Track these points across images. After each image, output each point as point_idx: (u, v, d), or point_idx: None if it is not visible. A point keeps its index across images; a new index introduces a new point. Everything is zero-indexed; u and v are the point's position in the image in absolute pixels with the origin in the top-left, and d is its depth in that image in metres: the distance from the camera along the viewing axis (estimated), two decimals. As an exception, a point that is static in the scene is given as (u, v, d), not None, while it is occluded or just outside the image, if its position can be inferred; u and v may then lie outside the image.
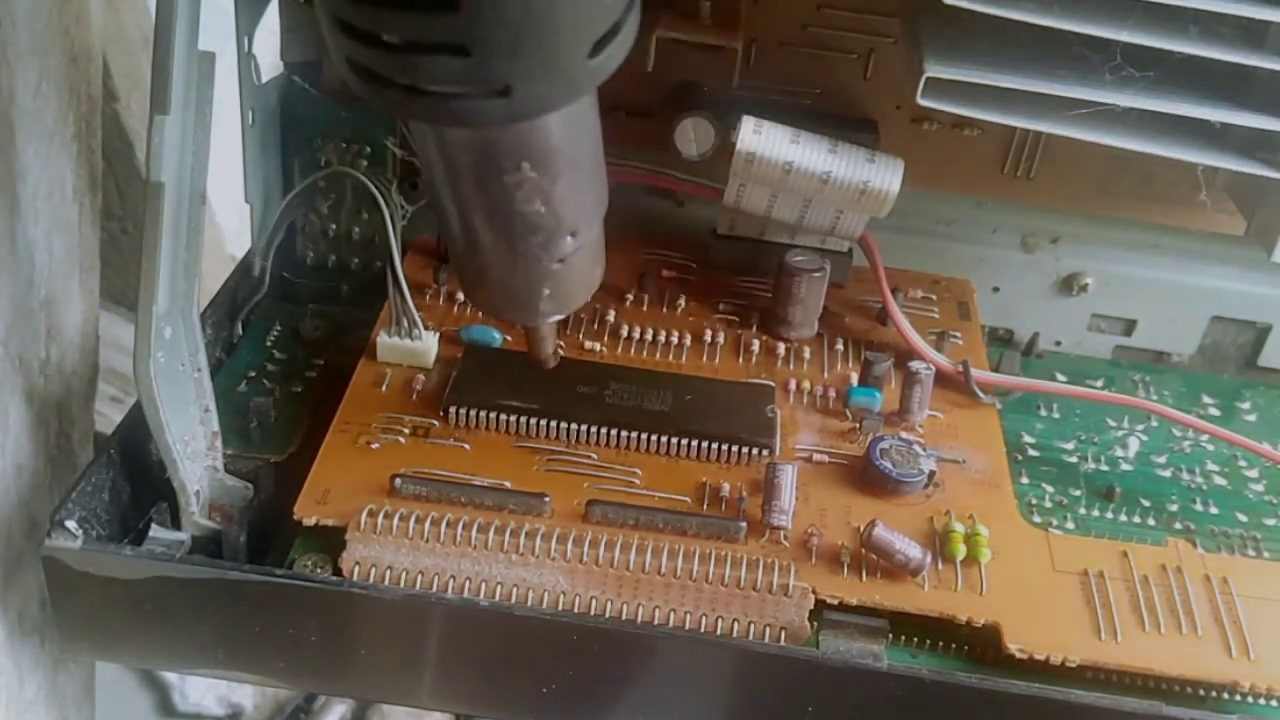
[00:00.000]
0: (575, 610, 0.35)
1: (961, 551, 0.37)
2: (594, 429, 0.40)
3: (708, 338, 0.46)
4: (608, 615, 0.35)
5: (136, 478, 0.38)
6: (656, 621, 0.35)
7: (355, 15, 0.24)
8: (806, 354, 0.46)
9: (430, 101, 0.25)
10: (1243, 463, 0.45)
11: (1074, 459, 0.45)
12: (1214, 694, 0.35)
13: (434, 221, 0.48)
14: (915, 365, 0.42)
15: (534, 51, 0.24)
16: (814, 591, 0.35)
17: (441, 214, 0.31)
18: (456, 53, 0.24)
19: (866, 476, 0.40)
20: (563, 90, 0.25)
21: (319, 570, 0.36)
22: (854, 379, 0.44)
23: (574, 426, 0.40)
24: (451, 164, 0.28)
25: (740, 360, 0.45)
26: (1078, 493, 0.43)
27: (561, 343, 0.44)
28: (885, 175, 0.43)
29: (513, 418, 0.40)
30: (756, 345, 0.46)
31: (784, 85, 0.48)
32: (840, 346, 0.46)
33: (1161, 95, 0.38)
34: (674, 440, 0.40)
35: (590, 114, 0.29)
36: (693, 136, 0.46)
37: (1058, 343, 0.53)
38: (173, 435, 0.36)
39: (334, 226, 0.49)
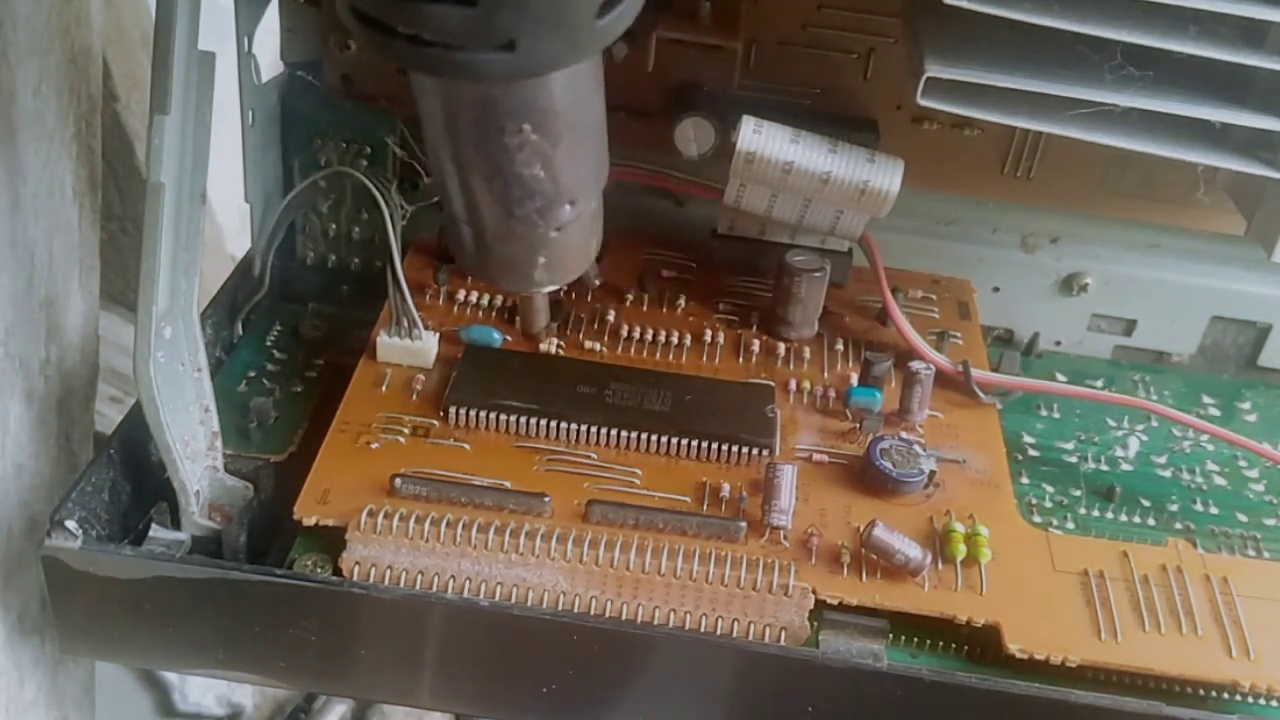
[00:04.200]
0: (575, 610, 0.35)
1: (961, 551, 0.37)
2: (594, 429, 0.40)
3: (708, 338, 0.46)
4: (608, 615, 0.35)
5: (136, 478, 0.38)
6: (656, 621, 0.35)
7: None
8: (806, 354, 0.46)
9: (434, 53, 0.24)
10: (1243, 463, 0.45)
11: (1074, 459, 0.45)
12: (1214, 694, 0.35)
13: (434, 221, 0.48)
14: (915, 365, 0.42)
15: (540, 6, 0.24)
16: (814, 591, 0.35)
17: (439, 176, 0.30)
18: (462, 2, 0.23)
19: (866, 476, 0.40)
20: (568, 49, 0.25)
21: (319, 570, 0.36)
22: (854, 379, 0.44)
23: (574, 426, 0.40)
24: (453, 122, 0.28)
25: (740, 360, 0.45)
26: (1078, 493, 0.43)
27: (561, 343, 0.44)
28: (885, 175, 0.43)
29: (513, 418, 0.40)
30: (756, 345, 0.46)
31: (784, 85, 0.48)
32: (840, 346, 0.46)
33: (1161, 95, 0.38)
34: (674, 440, 0.40)
35: (595, 82, 0.29)
36: (693, 136, 0.46)
37: (1058, 343, 0.53)
38: (173, 435, 0.36)
39: (334, 226, 0.49)
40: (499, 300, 0.46)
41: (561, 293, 0.47)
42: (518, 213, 0.30)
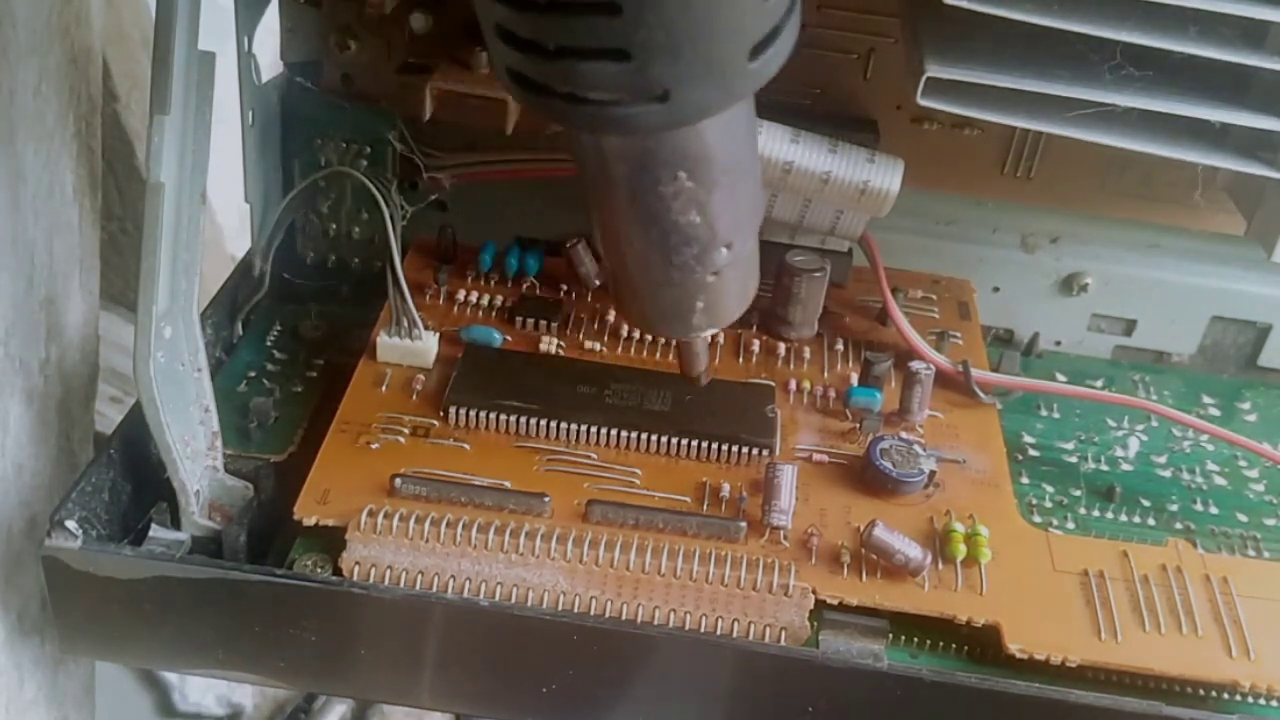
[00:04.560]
0: (575, 610, 0.35)
1: (961, 551, 0.37)
2: (594, 429, 0.40)
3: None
4: (608, 615, 0.35)
5: (136, 478, 0.38)
6: (656, 621, 0.35)
7: (518, 23, 0.24)
8: (806, 354, 0.46)
9: (590, 109, 0.25)
10: (1243, 463, 0.45)
11: (1074, 459, 0.45)
12: (1214, 694, 0.35)
13: (434, 221, 0.48)
14: (915, 365, 0.42)
15: (693, 55, 0.24)
16: (814, 591, 0.35)
17: (597, 227, 0.31)
18: (617, 57, 0.24)
19: (866, 476, 0.40)
20: (721, 94, 0.25)
21: (319, 570, 0.36)
22: (854, 379, 0.44)
23: (574, 426, 0.40)
24: (609, 175, 0.28)
25: (740, 360, 0.45)
26: (1078, 493, 0.43)
27: (561, 343, 0.45)
28: (885, 175, 0.43)
29: (513, 418, 0.40)
30: (756, 345, 0.46)
31: (784, 85, 0.48)
32: (840, 346, 0.46)
33: (1161, 95, 0.38)
34: (674, 440, 0.40)
35: (747, 122, 0.29)
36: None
37: (1058, 343, 0.53)
38: (173, 435, 0.36)
39: (334, 226, 0.49)
40: (499, 300, 0.46)
41: (561, 293, 0.47)
42: (675, 260, 0.30)
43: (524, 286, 0.47)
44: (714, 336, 0.45)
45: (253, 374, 0.44)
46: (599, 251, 0.31)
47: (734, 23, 0.24)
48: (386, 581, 0.35)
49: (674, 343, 0.45)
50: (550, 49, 0.24)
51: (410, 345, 0.43)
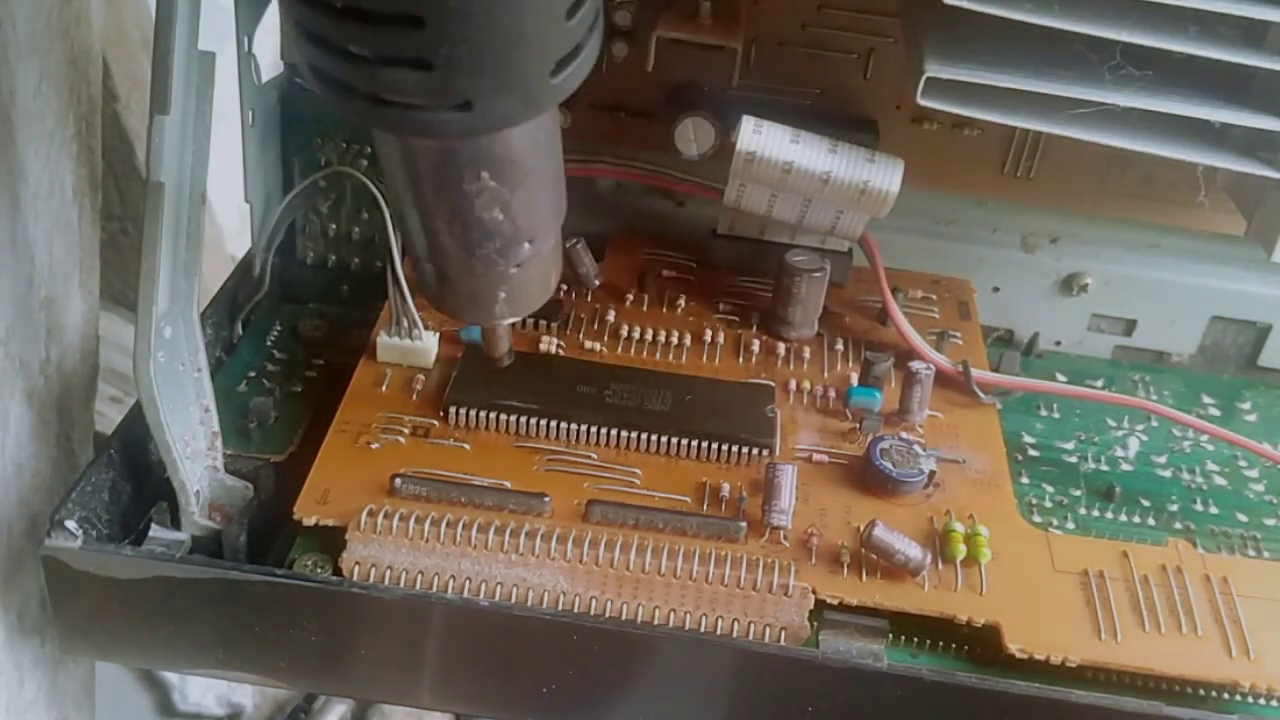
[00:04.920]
0: (575, 610, 0.35)
1: (961, 551, 0.37)
2: (594, 429, 0.40)
3: (708, 338, 0.46)
4: (608, 615, 0.35)
5: (136, 478, 0.38)
6: (656, 621, 0.35)
7: (322, 27, 0.24)
8: (806, 354, 0.46)
9: (392, 111, 0.25)
10: (1243, 463, 0.45)
11: (1074, 459, 0.45)
12: (1214, 694, 0.35)
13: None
14: (915, 365, 0.42)
15: (496, 69, 0.24)
16: (814, 591, 0.35)
17: (402, 219, 0.31)
18: (420, 67, 0.24)
19: (866, 476, 0.40)
20: (523, 107, 0.26)
21: (319, 570, 0.36)
22: (854, 379, 0.44)
23: (574, 426, 0.40)
24: (413, 171, 0.29)
25: (740, 360, 0.45)
26: (1078, 493, 0.43)
27: (561, 343, 0.45)
28: (885, 175, 0.43)
29: (513, 418, 0.40)
30: (756, 345, 0.46)
31: (784, 85, 0.48)
32: (840, 346, 0.46)
33: (1161, 95, 0.38)
34: (674, 440, 0.40)
35: (551, 127, 0.30)
36: (693, 136, 0.46)
37: (1058, 343, 0.53)
38: (173, 435, 0.36)
39: (334, 226, 0.49)
40: (499, 300, 0.46)
41: (562, 293, 0.47)
42: (478, 253, 0.30)
43: (524, 286, 0.47)
44: (714, 335, 0.45)
45: (253, 374, 0.44)
46: (407, 244, 0.32)
47: (536, 40, 0.25)
48: (386, 581, 0.35)
49: (673, 343, 0.45)
50: (354, 52, 0.24)
51: (410, 345, 0.43)
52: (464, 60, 0.24)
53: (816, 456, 0.41)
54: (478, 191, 0.28)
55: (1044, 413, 0.47)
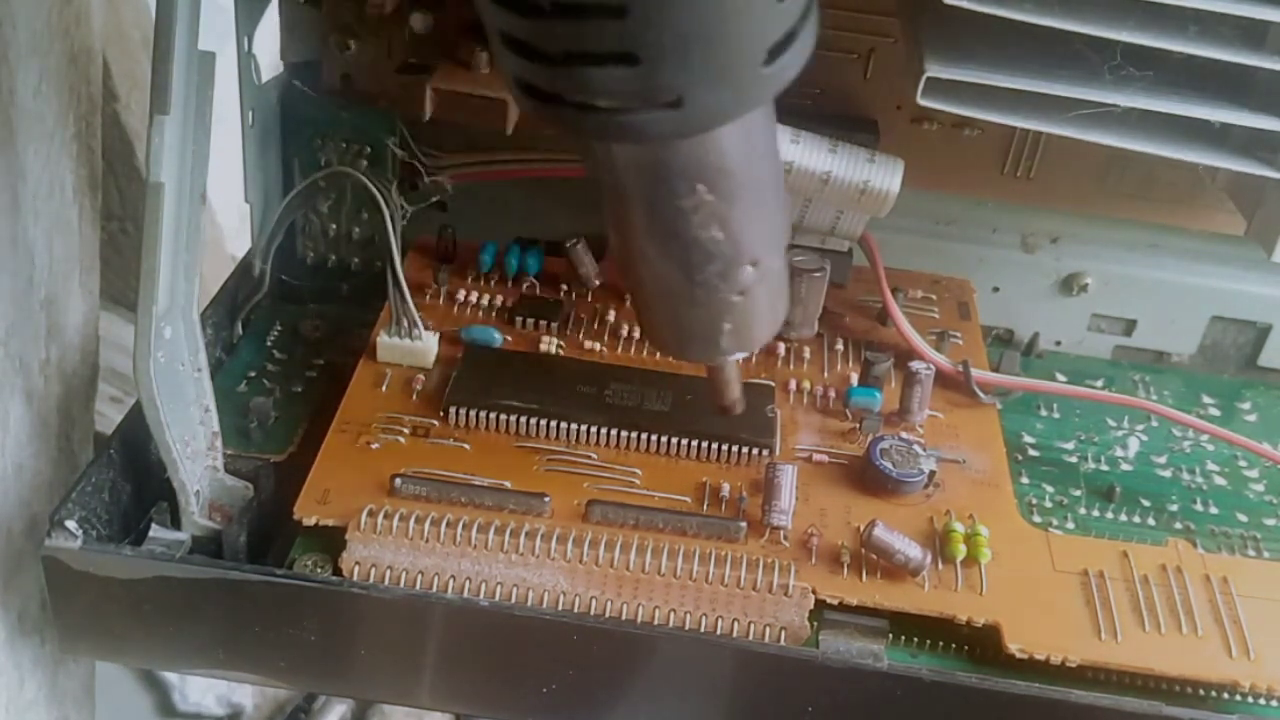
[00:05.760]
0: (575, 610, 0.35)
1: (961, 551, 0.37)
2: (594, 429, 0.40)
3: (708, 338, 0.46)
4: (608, 615, 0.35)
5: (136, 478, 0.38)
6: (656, 621, 0.35)
7: (524, 29, 0.23)
8: (806, 354, 0.46)
9: (601, 116, 0.24)
10: (1243, 463, 0.45)
11: (1074, 459, 0.45)
12: (1214, 694, 0.35)
13: (434, 221, 0.48)
14: (915, 365, 0.42)
15: (705, 58, 0.23)
16: (814, 591, 0.35)
17: (617, 247, 0.30)
18: (625, 61, 0.23)
19: (866, 476, 0.40)
20: (736, 100, 0.24)
21: (319, 570, 0.36)
22: (854, 379, 0.44)
23: (574, 426, 0.40)
24: (625, 189, 0.27)
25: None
26: (1078, 493, 0.43)
27: (561, 343, 0.44)
28: (885, 175, 0.43)
29: (513, 418, 0.40)
30: (756, 345, 0.46)
31: (784, 85, 0.48)
32: (840, 346, 0.46)
33: (1161, 95, 0.38)
34: (674, 440, 0.40)
35: (768, 132, 0.28)
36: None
37: (1058, 343, 0.53)
38: (173, 435, 0.36)
39: (334, 226, 0.49)
40: (499, 300, 0.46)
41: (561, 293, 0.47)
42: (697, 278, 0.29)
43: (524, 286, 0.47)
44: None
45: (253, 374, 0.44)
46: (618, 269, 0.30)
47: (746, 24, 0.23)
48: (386, 581, 0.35)
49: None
50: (557, 55, 0.23)
51: (410, 345, 0.43)
52: (670, 50, 0.23)
53: (816, 456, 0.41)
54: (694, 208, 0.27)
55: (1044, 413, 0.47)
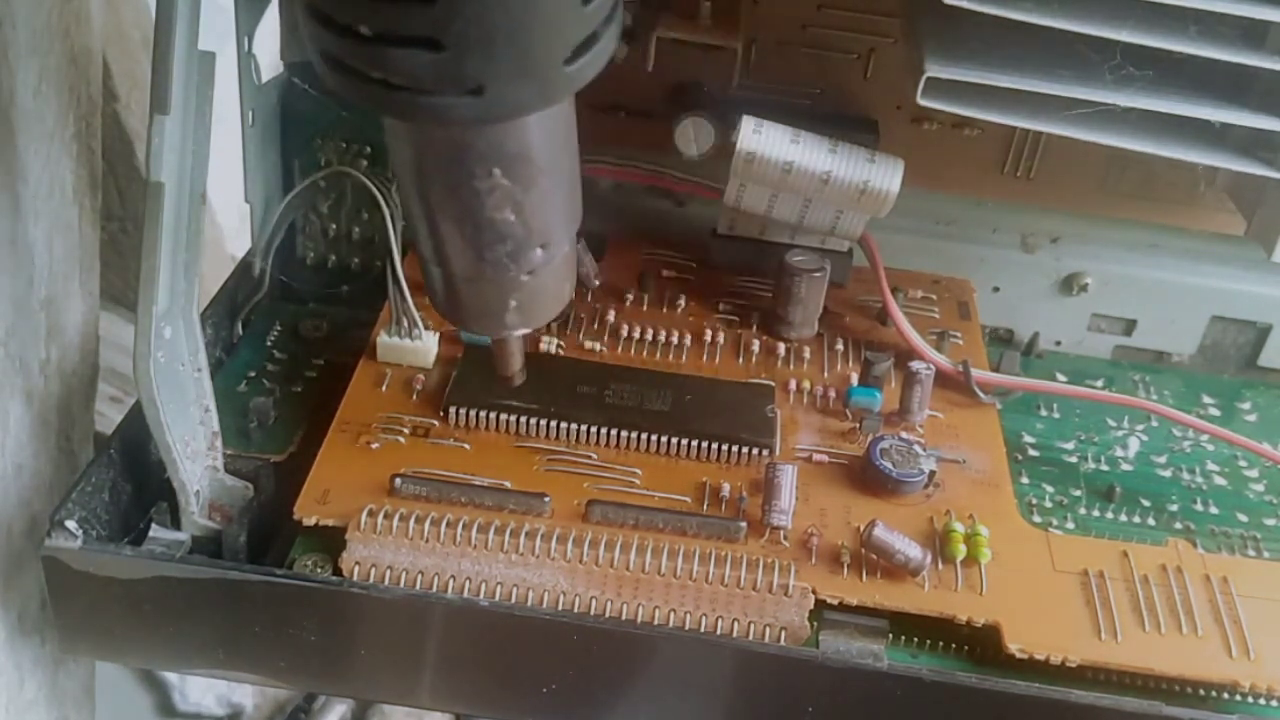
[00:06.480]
0: (575, 610, 0.35)
1: (961, 551, 0.37)
2: (594, 429, 0.40)
3: (708, 338, 0.46)
4: (608, 615, 0.35)
5: (136, 478, 0.38)
6: (656, 621, 0.35)
7: (331, 6, 0.24)
8: (806, 354, 0.46)
9: (403, 97, 0.25)
10: (1243, 463, 0.45)
11: (1074, 459, 0.45)
12: (1214, 694, 0.35)
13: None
14: (915, 365, 0.42)
15: (508, 52, 0.24)
16: (814, 591, 0.35)
17: (410, 219, 0.31)
18: (430, 46, 0.24)
19: (866, 476, 0.40)
20: (536, 94, 0.25)
21: (319, 570, 0.36)
22: (854, 379, 0.44)
23: (574, 426, 0.40)
24: (422, 166, 0.28)
25: (740, 360, 0.45)
26: (1078, 493, 0.43)
27: (561, 343, 0.44)
28: (885, 175, 0.43)
29: (513, 418, 0.40)
30: (756, 345, 0.46)
31: (784, 85, 0.48)
32: (840, 346, 0.46)
33: (1161, 95, 0.38)
34: (674, 440, 0.40)
35: (567, 124, 0.29)
36: (693, 136, 0.46)
37: (1058, 343, 0.53)
38: (173, 435, 0.36)
39: (334, 226, 0.49)
40: (499, 300, 0.46)
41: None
42: (488, 256, 0.30)
43: (524, 286, 0.47)
44: (714, 335, 0.45)
45: (253, 374, 0.44)
46: (416, 247, 0.31)
47: (550, 24, 0.24)
48: (386, 581, 0.35)
49: (673, 343, 0.45)
50: (363, 33, 0.24)
51: (410, 345, 0.43)
52: (475, 40, 0.23)
53: (816, 456, 0.41)
54: (489, 189, 0.28)
55: (1044, 413, 0.47)
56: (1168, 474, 0.45)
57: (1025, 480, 0.43)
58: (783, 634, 0.35)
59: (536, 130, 0.27)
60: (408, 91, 0.25)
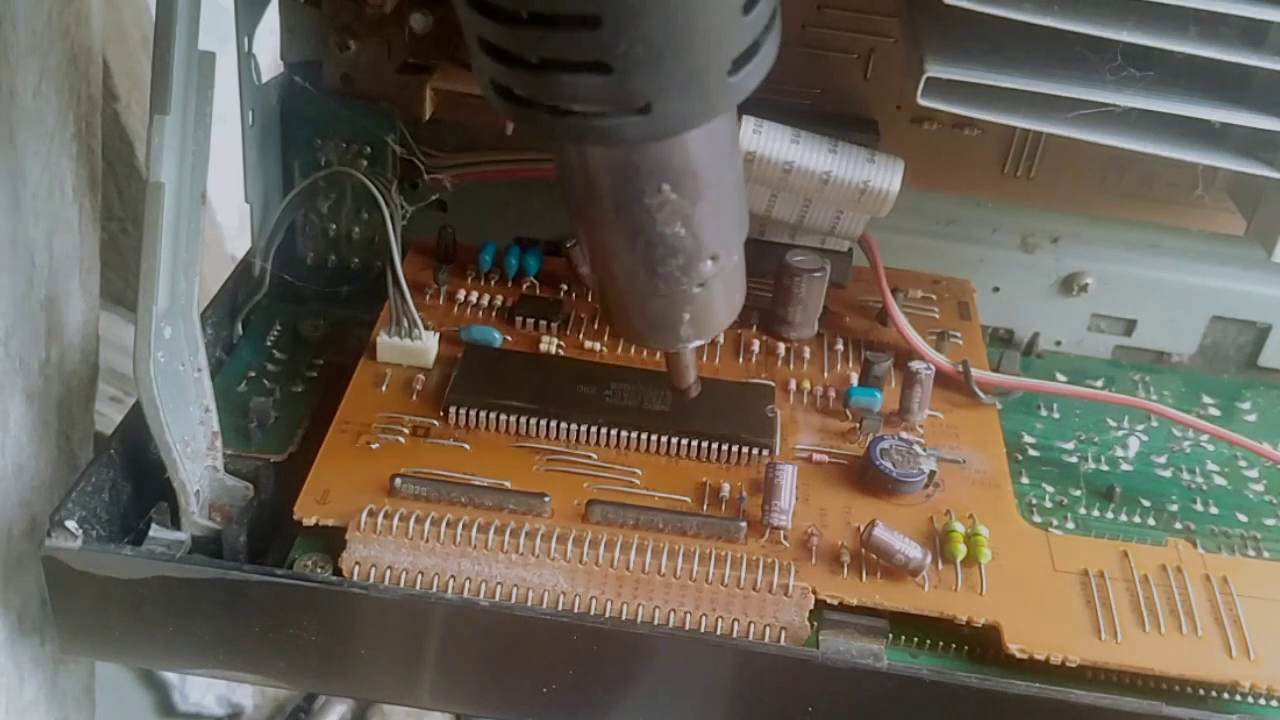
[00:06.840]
0: (575, 610, 0.35)
1: (961, 551, 0.37)
2: (594, 429, 0.40)
3: (707, 338, 0.46)
4: (608, 615, 0.35)
5: (136, 478, 0.38)
6: (656, 621, 0.35)
7: (501, 36, 0.24)
8: (806, 354, 0.46)
9: (572, 121, 0.25)
10: (1243, 463, 0.45)
11: (1074, 459, 0.45)
12: (1214, 694, 0.35)
13: (434, 221, 0.48)
14: (915, 365, 0.42)
15: (674, 68, 0.24)
16: (814, 591, 0.35)
17: (582, 239, 0.31)
18: (598, 70, 0.24)
19: (866, 476, 0.40)
20: (702, 108, 0.26)
21: (319, 570, 0.36)
22: (854, 379, 0.44)
23: (574, 426, 0.40)
24: (593, 187, 0.28)
25: (740, 360, 0.45)
26: (1078, 493, 0.43)
27: (561, 343, 0.45)
28: (885, 175, 0.43)
29: (513, 418, 0.40)
30: (756, 345, 0.46)
31: (784, 85, 0.48)
32: (840, 346, 0.46)
33: (1161, 95, 0.38)
34: (674, 440, 0.40)
35: (730, 136, 0.29)
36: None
37: (1058, 343, 0.53)
38: (173, 435, 0.36)
39: (334, 226, 0.49)
40: (499, 300, 0.46)
41: (561, 293, 0.47)
42: (660, 271, 0.30)
43: (524, 286, 0.47)
44: (713, 338, 0.45)
45: (253, 374, 0.44)
46: (585, 262, 0.31)
47: (714, 36, 0.24)
48: (386, 581, 0.35)
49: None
50: (533, 62, 0.24)
51: (410, 345, 0.43)
52: (642, 59, 0.24)
53: (816, 456, 0.41)
54: (659, 205, 0.28)
55: (1044, 413, 0.47)
56: (1168, 474, 0.45)
57: (1025, 480, 0.43)
58: (783, 634, 0.35)
59: (702, 143, 0.28)
60: (577, 116, 0.25)
